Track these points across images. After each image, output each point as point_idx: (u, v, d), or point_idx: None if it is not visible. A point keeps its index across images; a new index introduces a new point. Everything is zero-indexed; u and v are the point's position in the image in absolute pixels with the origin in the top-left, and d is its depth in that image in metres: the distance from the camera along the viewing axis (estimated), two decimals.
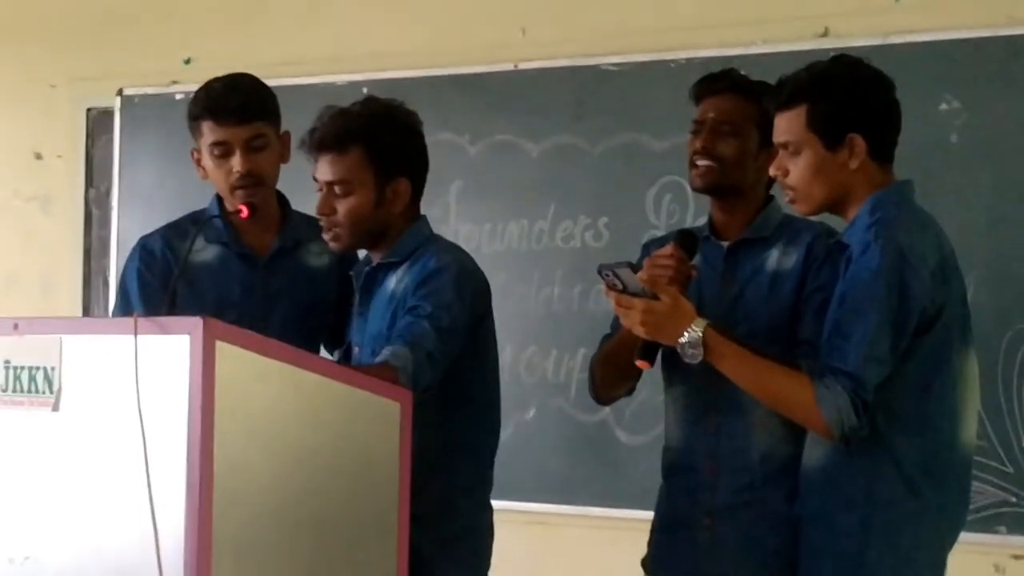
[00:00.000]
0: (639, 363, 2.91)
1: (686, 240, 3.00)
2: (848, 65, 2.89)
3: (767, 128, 2.95)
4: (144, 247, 3.29)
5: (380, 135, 3.03)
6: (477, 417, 3.10)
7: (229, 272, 3.26)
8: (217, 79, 3.27)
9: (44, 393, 2.56)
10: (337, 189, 3.01)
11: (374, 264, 3.10)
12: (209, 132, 3.20)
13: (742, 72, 3.16)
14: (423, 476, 2.87)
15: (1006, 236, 4.20)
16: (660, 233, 4.04)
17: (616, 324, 3.07)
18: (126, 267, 3.33)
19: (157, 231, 3.32)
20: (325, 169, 3.02)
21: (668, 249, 2.97)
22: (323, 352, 3.32)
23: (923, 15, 4.30)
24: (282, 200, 3.35)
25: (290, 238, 3.30)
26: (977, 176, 4.23)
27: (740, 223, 3.09)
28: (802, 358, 2.88)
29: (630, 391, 3.21)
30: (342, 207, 3.02)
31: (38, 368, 2.57)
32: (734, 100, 3.06)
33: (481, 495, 3.13)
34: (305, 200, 3.24)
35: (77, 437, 2.53)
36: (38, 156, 5.78)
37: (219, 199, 3.30)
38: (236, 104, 3.19)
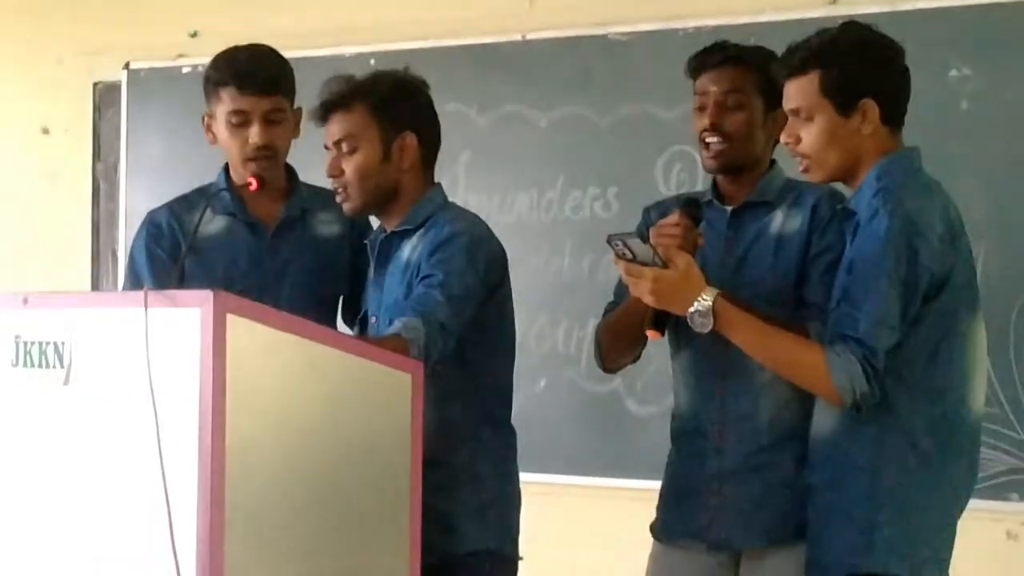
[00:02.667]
0: (650, 333, 2.91)
1: (692, 207, 2.99)
2: (858, 30, 2.88)
3: (770, 93, 2.95)
4: (151, 221, 3.29)
5: (383, 90, 3.04)
6: (497, 386, 3.11)
7: (236, 243, 3.26)
8: (240, 48, 3.27)
9: (55, 367, 2.55)
10: (344, 146, 3.02)
11: (388, 232, 3.09)
12: (229, 100, 3.20)
13: (752, 41, 3.14)
14: (451, 447, 2.91)
15: (1016, 202, 4.19)
16: None
17: (620, 292, 3.06)
18: (134, 242, 3.33)
19: (164, 205, 3.33)
20: (332, 129, 3.04)
21: (674, 217, 2.96)
22: (339, 323, 3.33)
23: None
24: (290, 171, 3.34)
25: (296, 207, 3.30)
26: (988, 143, 4.22)
27: (744, 187, 3.08)
28: (808, 321, 2.89)
29: (636, 359, 3.21)
30: (349, 165, 3.02)
31: (48, 343, 2.56)
32: (733, 71, 3.03)
33: (507, 464, 3.13)
34: (313, 177, 3.25)
35: (88, 412, 2.52)
36: (45, 131, 5.77)
37: (226, 172, 3.30)
38: (261, 75, 3.20)
